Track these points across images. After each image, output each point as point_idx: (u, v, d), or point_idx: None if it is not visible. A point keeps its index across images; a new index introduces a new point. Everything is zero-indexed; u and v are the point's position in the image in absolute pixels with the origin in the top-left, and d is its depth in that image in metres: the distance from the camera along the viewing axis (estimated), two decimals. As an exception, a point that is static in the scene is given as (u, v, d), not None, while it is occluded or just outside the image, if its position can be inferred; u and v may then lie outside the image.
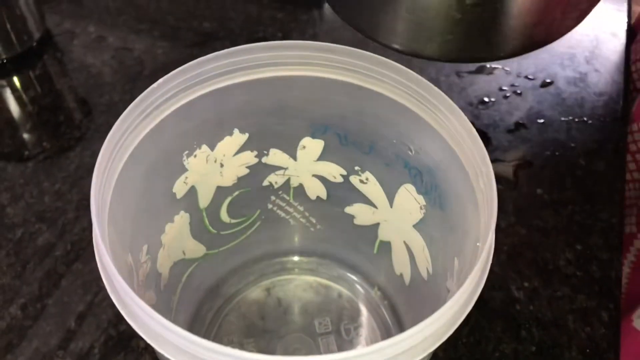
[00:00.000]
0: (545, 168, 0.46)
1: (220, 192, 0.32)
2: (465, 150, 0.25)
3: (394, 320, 0.36)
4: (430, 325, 0.19)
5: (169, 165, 0.28)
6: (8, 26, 0.51)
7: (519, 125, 0.48)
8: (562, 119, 0.49)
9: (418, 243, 0.31)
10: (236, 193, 0.33)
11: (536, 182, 0.45)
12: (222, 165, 0.31)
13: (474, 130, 0.24)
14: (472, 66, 0.53)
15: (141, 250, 0.27)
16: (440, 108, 0.25)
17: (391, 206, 0.32)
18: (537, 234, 0.41)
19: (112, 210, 0.23)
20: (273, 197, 0.35)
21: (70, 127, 0.48)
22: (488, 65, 0.53)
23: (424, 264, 0.31)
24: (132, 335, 0.36)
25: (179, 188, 0.30)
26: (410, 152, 0.29)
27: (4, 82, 0.51)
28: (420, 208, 0.30)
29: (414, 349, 0.19)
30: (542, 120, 0.49)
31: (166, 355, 0.19)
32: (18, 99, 0.51)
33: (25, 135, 0.48)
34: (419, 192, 0.29)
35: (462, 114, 0.25)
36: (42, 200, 0.43)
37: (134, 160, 0.25)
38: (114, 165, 0.24)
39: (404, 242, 0.32)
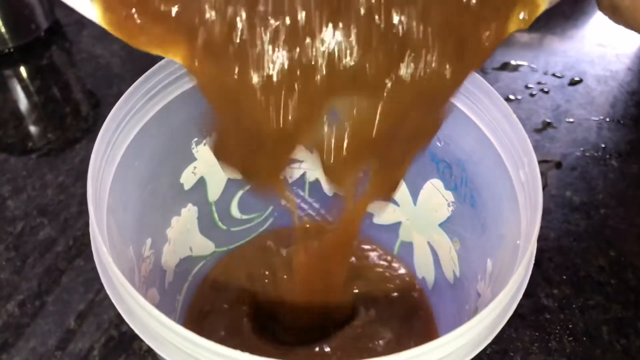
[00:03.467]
0: (575, 169, 0.43)
1: (231, 185, 0.30)
2: (502, 138, 0.22)
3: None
4: (469, 331, 0.17)
5: (177, 153, 0.26)
6: (16, 14, 0.49)
7: (546, 125, 0.46)
8: (593, 118, 0.46)
9: (444, 244, 0.28)
10: (248, 187, 0.31)
11: (566, 184, 0.42)
12: (233, 156, 0.29)
13: (513, 115, 0.22)
14: (497, 62, 0.50)
15: (144, 244, 0.25)
16: (474, 92, 0.23)
17: (415, 204, 0.30)
18: (567, 239, 0.39)
19: (111, 199, 0.21)
20: (287, 193, 0.33)
21: (77, 119, 0.46)
22: (513, 62, 0.50)
23: (451, 266, 0.28)
24: (134, 336, 0.34)
25: (187, 178, 0.28)
26: (438, 144, 0.26)
27: (10, 72, 0.49)
28: (448, 205, 0.27)
29: (450, 356, 0.17)
30: (571, 120, 0.46)
31: (168, 359, 0.17)
32: (24, 89, 0.49)
33: (30, 127, 0.46)
34: (447, 187, 0.27)
35: (500, 97, 0.23)
36: (44, 193, 0.41)
37: (138, 145, 0.23)
38: (115, 149, 0.21)
39: (428, 242, 0.30)
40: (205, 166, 0.28)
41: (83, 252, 0.38)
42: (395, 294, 0.33)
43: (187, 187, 0.28)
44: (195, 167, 0.28)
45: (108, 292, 0.19)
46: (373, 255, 0.34)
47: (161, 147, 0.25)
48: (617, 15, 0.21)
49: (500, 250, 0.23)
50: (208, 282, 0.33)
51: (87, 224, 0.40)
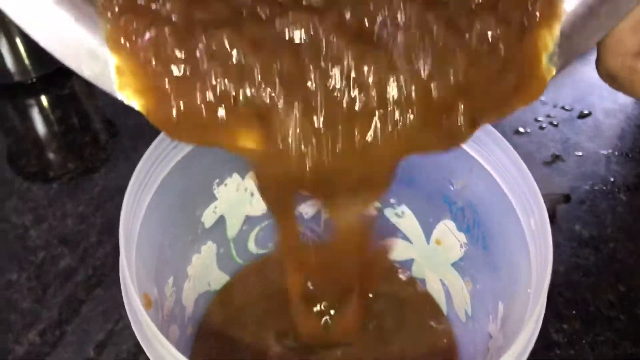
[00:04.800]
0: (583, 203, 0.44)
1: (250, 221, 0.31)
2: (513, 186, 0.23)
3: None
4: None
5: (199, 194, 0.27)
6: (39, 45, 0.50)
7: (555, 158, 0.47)
8: (601, 151, 0.47)
9: (456, 283, 0.29)
10: (265, 223, 0.32)
11: (574, 218, 0.43)
12: (252, 195, 0.30)
13: (523, 165, 0.23)
14: (507, 95, 0.51)
15: (167, 282, 0.26)
16: (483, 139, 0.24)
17: (428, 242, 0.30)
18: (577, 273, 0.39)
19: (139, 243, 0.22)
20: (303, 228, 0.34)
21: (96, 149, 0.47)
22: (523, 95, 0.51)
23: (462, 305, 0.29)
24: (152, 367, 0.35)
25: (208, 217, 0.29)
26: (451, 187, 0.27)
27: (32, 101, 0.51)
28: (461, 246, 0.28)
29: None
30: (579, 153, 0.47)
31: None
32: (45, 118, 0.50)
33: (51, 156, 0.47)
34: (459, 229, 0.28)
35: (509, 146, 0.23)
36: (65, 222, 0.42)
37: (163, 190, 0.24)
38: (143, 196, 0.22)
39: (440, 280, 0.31)
40: (226, 205, 0.29)
41: (102, 282, 0.39)
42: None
43: (207, 225, 0.29)
44: (216, 207, 0.29)
45: (140, 340, 0.20)
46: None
47: (185, 190, 0.26)
48: (616, 84, 0.22)
49: (511, 294, 0.24)
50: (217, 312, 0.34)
51: (106, 255, 0.41)
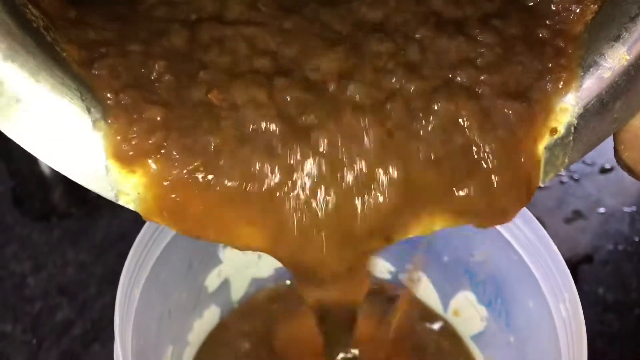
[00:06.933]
0: (607, 264, 0.41)
1: (256, 283, 0.30)
2: (541, 265, 0.21)
3: None
4: None
5: (204, 258, 0.26)
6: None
7: (576, 215, 0.45)
8: (625, 209, 0.45)
9: (476, 357, 0.27)
10: (272, 285, 0.30)
11: (597, 281, 0.41)
12: (259, 257, 0.28)
13: (553, 245, 0.21)
14: (525, 147, 0.50)
15: (165, 353, 0.24)
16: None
17: (445, 312, 0.28)
18: (601, 341, 0.37)
19: (137, 319, 0.21)
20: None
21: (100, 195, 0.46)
22: (541, 147, 0.50)
23: (482, 382, 0.27)
24: None
25: (212, 281, 0.27)
26: (472, 257, 0.25)
27: (39, 142, 0.50)
28: (481, 319, 0.26)
29: None
30: (602, 210, 0.45)
31: None
32: (51, 160, 0.49)
33: (55, 200, 0.46)
34: (480, 302, 0.26)
35: (538, 223, 0.22)
36: (65, 271, 0.41)
37: (164, 259, 0.22)
38: (141, 271, 0.21)
39: (458, 352, 0.29)
40: (231, 267, 0.28)
41: (100, 337, 0.37)
42: None
43: (210, 289, 0.27)
44: (220, 270, 0.27)
45: None
46: None
47: (189, 256, 0.24)
48: (634, 175, 0.21)
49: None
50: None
51: (105, 306, 0.39)
